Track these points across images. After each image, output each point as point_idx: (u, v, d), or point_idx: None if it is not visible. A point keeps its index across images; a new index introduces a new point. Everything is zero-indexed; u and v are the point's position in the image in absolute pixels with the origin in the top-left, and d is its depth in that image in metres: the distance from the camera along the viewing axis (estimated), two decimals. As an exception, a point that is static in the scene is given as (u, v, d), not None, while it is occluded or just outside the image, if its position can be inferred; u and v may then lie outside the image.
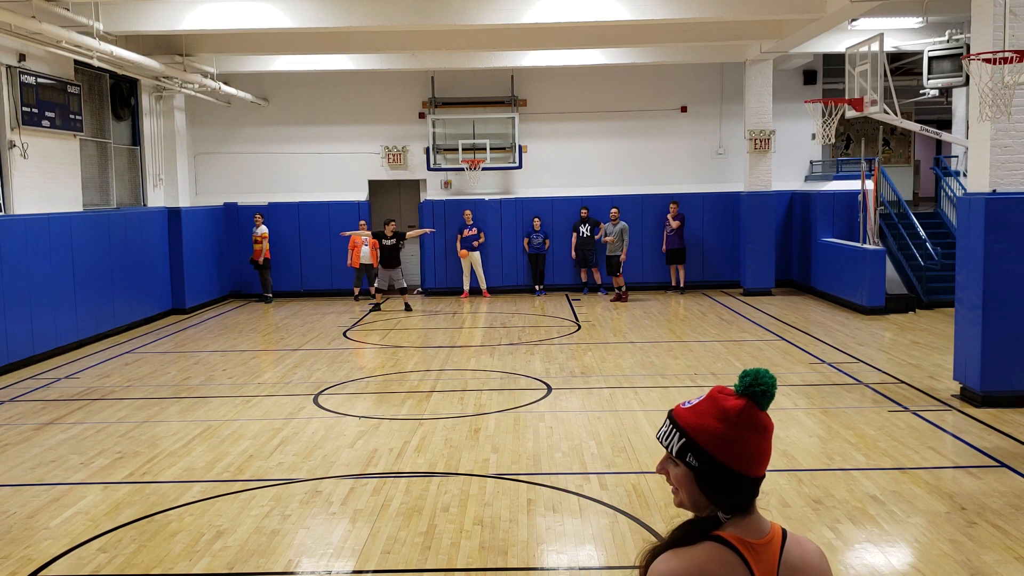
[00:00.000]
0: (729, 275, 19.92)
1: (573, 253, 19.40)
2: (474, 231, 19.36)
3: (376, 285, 17.75)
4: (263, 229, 18.91)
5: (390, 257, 17.23)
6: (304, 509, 6.74)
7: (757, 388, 2.01)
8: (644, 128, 20.26)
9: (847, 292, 16.65)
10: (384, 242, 17.21)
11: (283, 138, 20.23)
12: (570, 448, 8.14)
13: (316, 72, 18.74)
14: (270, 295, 19.28)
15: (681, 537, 2.00)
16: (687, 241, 19.35)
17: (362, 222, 19.07)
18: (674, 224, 18.99)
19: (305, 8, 13.37)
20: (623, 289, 18.43)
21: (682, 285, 19.38)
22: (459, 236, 19.40)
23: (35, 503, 7.01)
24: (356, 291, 19.16)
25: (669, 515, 6.39)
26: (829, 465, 7.54)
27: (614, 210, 18.59)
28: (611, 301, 18.22)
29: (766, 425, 2.02)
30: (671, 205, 19.23)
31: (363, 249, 18.50)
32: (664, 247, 19.35)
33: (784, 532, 2.06)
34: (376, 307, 17.74)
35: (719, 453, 1.99)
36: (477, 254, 19.46)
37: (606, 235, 18.36)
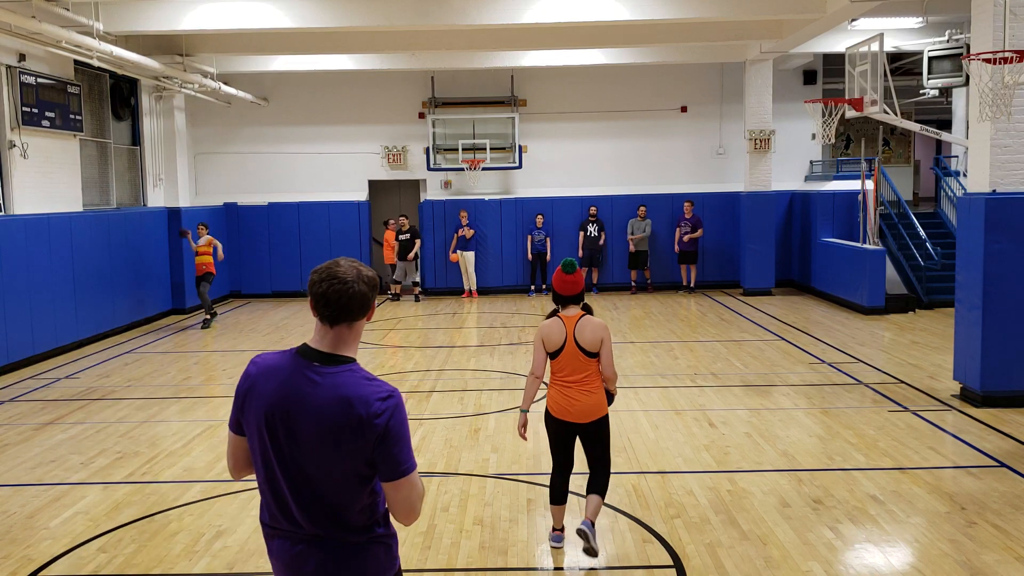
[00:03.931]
0: (729, 275, 19.92)
1: (580, 252, 19.37)
2: (470, 232, 19.35)
3: (395, 277, 18.90)
4: (210, 238, 15.96)
5: (405, 250, 18.63)
6: (304, 509, 6.73)
7: (561, 264, 5.55)
8: (644, 128, 20.26)
9: (847, 292, 16.64)
10: (400, 237, 18.59)
11: (283, 138, 20.23)
12: (570, 448, 8.13)
13: (316, 72, 18.74)
14: (213, 314, 16.17)
15: (547, 316, 5.60)
16: (697, 241, 19.37)
17: (392, 222, 19.04)
18: (695, 234, 19.09)
19: (305, 8, 13.37)
20: (649, 281, 19.54)
21: (692, 285, 19.40)
22: (456, 235, 19.40)
23: (35, 503, 7.01)
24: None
25: (669, 515, 6.40)
26: (829, 465, 7.53)
27: (642, 208, 19.29)
28: (632, 294, 19.06)
29: (565, 277, 5.54)
30: (685, 204, 19.27)
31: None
32: (677, 247, 19.36)
33: (583, 316, 5.51)
34: (396, 297, 18.92)
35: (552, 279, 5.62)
36: (471, 254, 19.47)
37: (632, 233, 19.25)
